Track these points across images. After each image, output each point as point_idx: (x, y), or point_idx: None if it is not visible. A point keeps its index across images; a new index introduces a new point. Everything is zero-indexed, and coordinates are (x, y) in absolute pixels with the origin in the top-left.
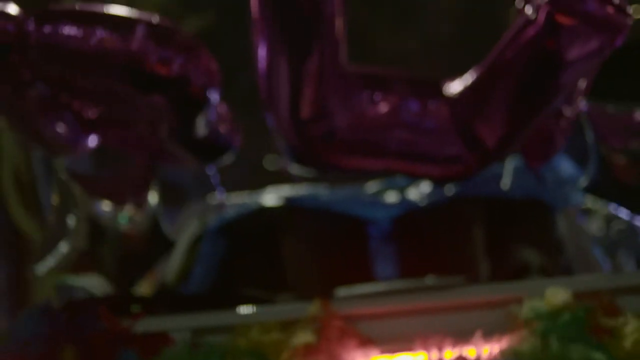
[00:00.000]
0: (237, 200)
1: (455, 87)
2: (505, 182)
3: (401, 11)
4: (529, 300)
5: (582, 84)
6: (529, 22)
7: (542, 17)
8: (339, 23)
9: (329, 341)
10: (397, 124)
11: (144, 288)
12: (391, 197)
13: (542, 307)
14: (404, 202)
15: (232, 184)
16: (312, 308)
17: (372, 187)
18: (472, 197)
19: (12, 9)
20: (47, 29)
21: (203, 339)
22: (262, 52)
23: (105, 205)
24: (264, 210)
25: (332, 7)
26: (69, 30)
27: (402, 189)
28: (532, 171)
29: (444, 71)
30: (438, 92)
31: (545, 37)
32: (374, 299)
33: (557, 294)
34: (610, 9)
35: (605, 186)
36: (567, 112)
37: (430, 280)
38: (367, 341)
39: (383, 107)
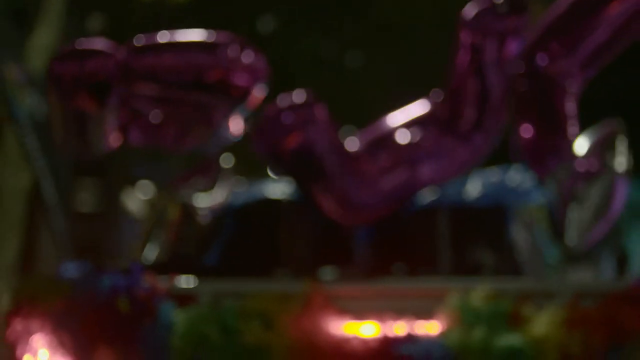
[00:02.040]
0: (245, 189)
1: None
2: (471, 192)
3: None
4: (461, 294)
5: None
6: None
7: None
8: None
9: (314, 311)
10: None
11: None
12: None
13: (471, 299)
14: None
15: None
16: (303, 286)
17: None
18: (440, 205)
19: (106, 45)
20: (143, 59)
21: (221, 301)
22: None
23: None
24: (268, 201)
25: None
26: (162, 58)
27: None
28: (538, 180)
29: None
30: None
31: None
32: (350, 282)
33: (485, 290)
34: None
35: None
36: (572, 130)
37: (397, 267)
38: (341, 313)
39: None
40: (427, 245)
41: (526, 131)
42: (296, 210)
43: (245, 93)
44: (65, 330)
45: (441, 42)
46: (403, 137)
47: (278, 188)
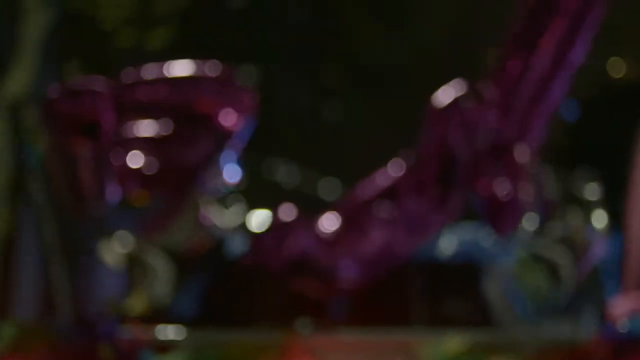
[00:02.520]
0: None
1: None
2: (446, 249)
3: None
4: (434, 345)
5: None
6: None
7: None
8: None
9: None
10: None
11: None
12: None
13: (442, 351)
14: None
15: None
16: (282, 336)
17: None
18: (416, 262)
19: (97, 83)
20: (133, 93)
21: (200, 350)
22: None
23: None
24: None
25: None
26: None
27: None
28: (500, 238)
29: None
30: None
31: None
32: (326, 333)
33: (454, 342)
34: None
35: None
36: (525, 188)
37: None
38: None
39: None
40: (402, 299)
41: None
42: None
43: (232, 127)
44: None
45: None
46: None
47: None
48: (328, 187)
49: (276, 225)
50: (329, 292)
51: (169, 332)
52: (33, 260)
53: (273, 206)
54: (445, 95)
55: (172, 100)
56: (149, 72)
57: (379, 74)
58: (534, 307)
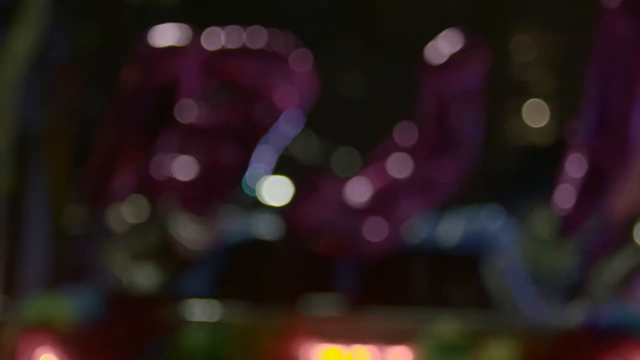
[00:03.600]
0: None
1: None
2: (450, 240)
3: None
4: (429, 327)
5: None
6: None
7: None
8: None
9: (293, 338)
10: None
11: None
12: None
13: (437, 333)
14: None
15: None
16: (285, 315)
17: None
18: (419, 250)
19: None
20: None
21: (212, 327)
22: None
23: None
24: (258, 241)
25: None
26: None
27: None
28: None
29: None
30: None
31: None
32: (328, 312)
33: (446, 325)
34: None
35: None
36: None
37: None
38: (318, 339)
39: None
40: (402, 282)
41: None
42: (284, 249)
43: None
44: (72, 351)
45: None
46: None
47: (266, 224)
48: (346, 160)
49: (303, 192)
50: (353, 255)
51: (182, 309)
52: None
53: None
54: (437, 51)
55: (246, 76)
56: (231, 37)
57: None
58: (544, 290)
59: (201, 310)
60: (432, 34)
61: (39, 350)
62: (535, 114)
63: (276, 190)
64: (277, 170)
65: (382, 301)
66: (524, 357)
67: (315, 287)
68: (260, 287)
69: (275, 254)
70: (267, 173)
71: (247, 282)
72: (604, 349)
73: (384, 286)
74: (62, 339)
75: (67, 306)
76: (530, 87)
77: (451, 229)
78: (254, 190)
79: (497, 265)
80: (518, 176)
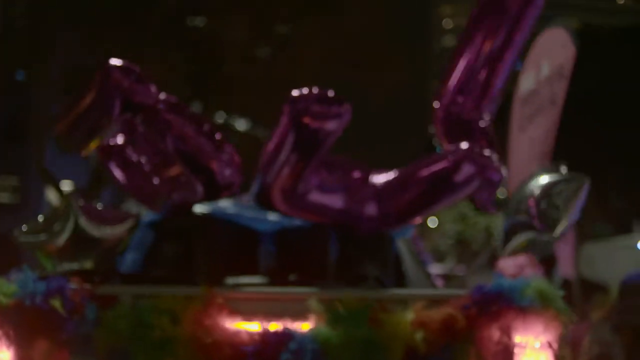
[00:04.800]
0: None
1: (379, 178)
2: None
3: None
4: (331, 299)
5: None
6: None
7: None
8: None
9: (211, 311)
10: (334, 196)
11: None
12: (274, 216)
13: (338, 304)
14: (283, 219)
15: None
16: (204, 290)
17: None
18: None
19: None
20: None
21: (137, 301)
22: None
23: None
24: (182, 215)
25: (331, 141)
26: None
27: None
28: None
29: None
30: (367, 181)
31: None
32: (245, 288)
33: (351, 296)
34: None
35: None
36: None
37: (292, 277)
38: (234, 313)
39: (330, 184)
40: (320, 258)
41: None
42: (209, 224)
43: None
44: (9, 325)
45: None
46: None
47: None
48: None
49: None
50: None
51: (111, 285)
52: None
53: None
54: None
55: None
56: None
57: None
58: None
59: (128, 287)
60: None
61: None
62: None
63: None
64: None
65: (300, 277)
66: (419, 322)
67: (238, 265)
68: (187, 264)
69: (203, 231)
70: None
71: (175, 258)
72: (486, 313)
73: (302, 263)
74: (1, 313)
75: (6, 286)
76: None
77: None
78: None
79: (404, 241)
80: None
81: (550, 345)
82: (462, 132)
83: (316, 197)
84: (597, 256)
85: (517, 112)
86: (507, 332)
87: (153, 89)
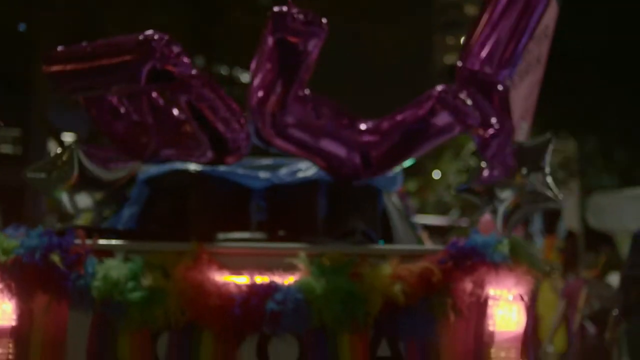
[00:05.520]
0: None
1: (364, 125)
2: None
3: None
4: (316, 254)
5: None
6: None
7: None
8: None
9: (200, 265)
10: (321, 133)
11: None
12: (265, 173)
13: (321, 258)
14: (274, 177)
15: None
16: (193, 245)
17: (265, 160)
18: (319, 180)
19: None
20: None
21: (131, 256)
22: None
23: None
24: (177, 172)
25: (312, 60)
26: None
27: (275, 167)
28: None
29: None
30: (353, 124)
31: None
32: (235, 243)
33: (334, 251)
34: None
35: None
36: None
37: (281, 232)
38: (222, 267)
39: (318, 120)
40: (309, 214)
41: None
42: (201, 181)
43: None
44: (11, 279)
45: None
46: None
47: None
48: None
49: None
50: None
51: (107, 241)
52: None
53: None
54: None
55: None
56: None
57: None
58: None
59: (123, 243)
60: None
61: None
62: None
63: None
64: None
65: (290, 232)
66: (398, 275)
67: (230, 220)
68: (180, 219)
69: (196, 188)
70: None
71: (169, 214)
72: (461, 267)
73: (292, 218)
74: (3, 268)
75: (7, 241)
76: None
77: None
78: None
79: (390, 196)
80: None
81: (522, 298)
82: (481, 93)
83: (302, 131)
84: (604, 206)
85: None
86: (480, 285)
87: (190, 64)
